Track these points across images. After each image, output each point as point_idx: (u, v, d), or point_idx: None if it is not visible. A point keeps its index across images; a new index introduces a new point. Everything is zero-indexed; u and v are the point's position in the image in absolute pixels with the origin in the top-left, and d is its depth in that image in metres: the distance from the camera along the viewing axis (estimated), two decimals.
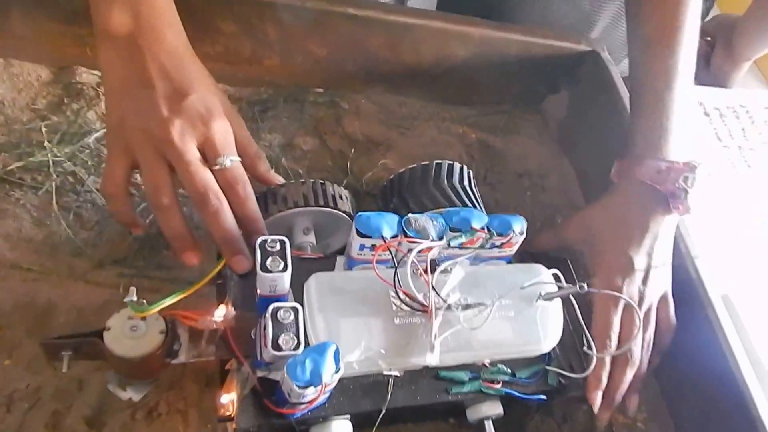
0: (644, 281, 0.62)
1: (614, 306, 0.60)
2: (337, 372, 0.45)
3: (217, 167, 0.52)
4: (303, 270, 0.55)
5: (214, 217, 0.52)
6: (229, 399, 0.52)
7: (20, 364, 0.55)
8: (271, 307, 0.47)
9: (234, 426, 0.50)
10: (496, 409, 0.58)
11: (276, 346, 0.45)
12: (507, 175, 0.88)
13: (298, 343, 0.46)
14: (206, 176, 0.51)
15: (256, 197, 0.64)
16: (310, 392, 0.44)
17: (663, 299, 0.65)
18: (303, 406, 0.47)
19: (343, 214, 0.63)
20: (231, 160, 0.53)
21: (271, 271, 0.48)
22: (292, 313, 0.47)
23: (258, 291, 0.50)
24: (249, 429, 0.49)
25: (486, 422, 0.58)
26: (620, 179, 0.67)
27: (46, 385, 0.54)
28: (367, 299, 0.53)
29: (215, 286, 0.60)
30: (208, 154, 0.52)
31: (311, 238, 0.62)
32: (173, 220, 0.53)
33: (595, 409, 0.61)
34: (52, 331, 0.57)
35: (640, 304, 0.62)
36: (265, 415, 0.49)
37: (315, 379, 0.44)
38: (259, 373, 0.50)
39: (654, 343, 0.64)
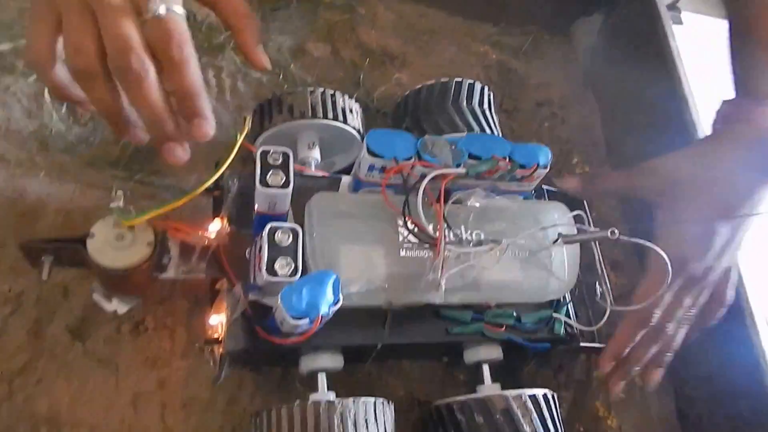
0: (718, 256, 0.51)
1: (667, 277, 0.49)
2: (335, 304, 0.42)
3: (148, 15, 0.37)
4: (304, 188, 0.50)
5: (134, 85, 0.37)
6: (217, 321, 0.50)
7: (3, 265, 0.52)
8: (268, 227, 0.43)
9: (221, 348, 0.47)
10: (495, 353, 0.56)
11: (271, 271, 0.42)
12: (525, 102, 0.83)
13: (296, 269, 0.42)
14: (128, 29, 0.36)
15: (260, 105, 0.59)
16: (305, 324, 0.41)
17: (725, 273, 0.53)
18: (295, 338, 0.44)
19: (353, 131, 0.58)
20: (169, 8, 0.37)
21: (270, 186, 0.44)
22: (291, 235, 0.43)
23: (255, 208, 0.46)
24: (236, 353, 0.47)
25: (483, 366, 0.56)
26: (726, 124, 0.53)
27: (29, 291, 0.52)
28: (373, 227, 0.49)
29: (212, 198, 0.56)
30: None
31: (316, 153, 0.57)
32: (100, 91, 0.38)
33: (603, 374, 0.56)
34: (38, 232, 0.54)
35: (700, 281, 0.52)
36: (254, 340, 0.47)
37: (311, 311, 0.41)
38: (251, 297, 0.47)
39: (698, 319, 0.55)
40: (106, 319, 0.53)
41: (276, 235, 0.43)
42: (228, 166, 0.48)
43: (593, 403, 0.67)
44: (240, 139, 0.49)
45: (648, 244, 0.48)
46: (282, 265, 0.42)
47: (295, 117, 0.56)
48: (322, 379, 0.50)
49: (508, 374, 0.60)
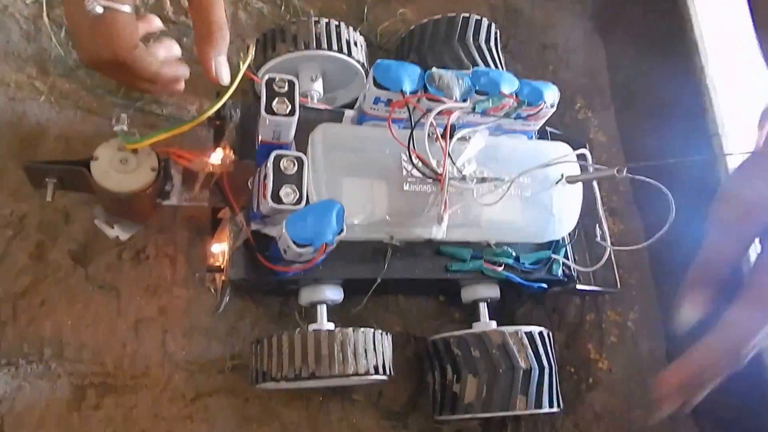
0: None
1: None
2: (339, 233, 0.42)
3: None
4: (307, 121, 0.50)
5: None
6: (219, 249, 0.50)
7: (5, 189, 0.52)
8: (273, 154, 0.42)
9: (222, 277, 0.48)
10: (492, 291, 0.56)
11: (276, 198, 0.42)
12: (531, 45, 0.81)
13: (300, 198, 0.42)
14: None
15: (263, 34, 0.58)
16: (308, 252, 0.42)
17: None
18: (297, 266, 0.45)
19: (357, 64, 0.57)
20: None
21: (276, 114, 0.44)
22: (296, 164, 0.43)
23: (259, 137, 0.46)
24: (238, 282, 0.47)
25: (480, 304, 0.57)
26: None
27: (31, 215, 0.52)
28: (377, 159, 0.49)
29: (213, 129, 0.55)
30: None
31: (318, 86, 0.56)
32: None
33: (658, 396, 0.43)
34: (39, 157, 0.54)
35: None
36: (256, 269, 0.47)
37: (315, 239, 0.41)
38: (254, 226, 0.48)
39: None
40: (107, 246, 0.53)
41: (281, 162, 0.42)
42: (230, 95, 0.48)
43: (585, 346, 0.68)
44: (243, 69, 0.48)
45: (653, 182, 0.48)
46: (287, 193, 0.42)
47: (299, 47, 0.55)
48: (321, 311, 0.51)
49: (503, 315, 0.61)
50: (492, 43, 0.63)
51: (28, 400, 0.46)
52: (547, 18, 0.84)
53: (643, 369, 0.70)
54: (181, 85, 0.51)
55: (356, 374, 0.45)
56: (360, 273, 0.51)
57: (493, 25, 0.64)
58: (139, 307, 0.52)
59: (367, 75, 0.57)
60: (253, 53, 0.56)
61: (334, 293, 0.51)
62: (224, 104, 0.50)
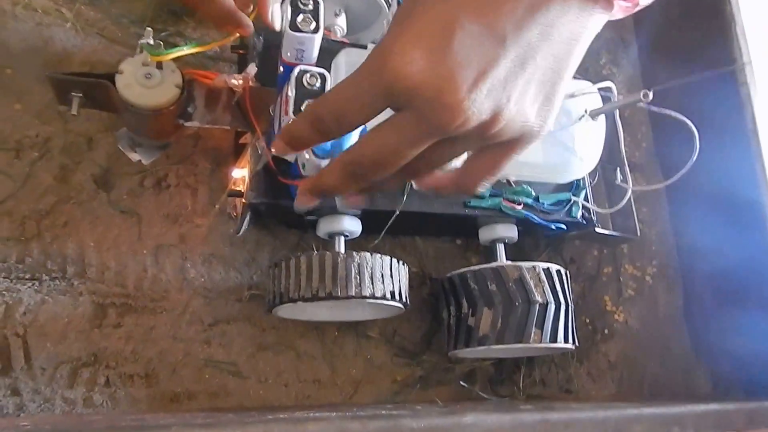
0: (508, 88, 0.30)
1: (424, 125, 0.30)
2: None
3: None
4: (330, 54, 0.50)
5: None
6: (240, 174, 0.50)
7: (30, 111, 0.52)
8: (297, 69, 0.42)
9: (243, 201, 0.48)
10: (510, 231, 0.56)
11: (299, 113, 0.42)
12: None
13: None
14: None
15: None
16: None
17: (519, 140, 0.32)
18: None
19: (381, 1, 0.56)
20: None
21: (301, 31, 0.43)
22: (320, 79, 0.42)
23: (281, 57, 0.46)
24: (258, 205, 0.48)
25: (498, 245, 0.56)
26: None
27: (55, 137, 0.52)
28: None
29: (237, 56, 0.55)
30: None
31: (342, 21, 0.56)
32: None
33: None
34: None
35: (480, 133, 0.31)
36: (276, 193, 0.48)
37: (335, 149, 0.41)
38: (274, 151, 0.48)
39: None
40: (129, 173, 0.53)
41: (305, 78, 0.42)
42: (253, 22, 0.48)
43: (601, 297, 0.68)
44: None
45: (677, 114, 0.47)
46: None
47: None
48: (339, 242, 0.51)
49: (520, 259, 0.61)
50: None
51: (50, 314, 0.47)
52: None
53: (659, 322, 0.70)
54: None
55: (372, 297, 0.45)
56: (380, 204, 0.51)
57: None
58: (159, 233, 0.53)
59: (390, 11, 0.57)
60: None
61: (352, 224, 0.51)
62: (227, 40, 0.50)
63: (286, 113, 0.43)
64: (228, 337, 0.51)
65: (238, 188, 0.49)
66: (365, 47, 0.53)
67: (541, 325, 0.48)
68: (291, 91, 0.42)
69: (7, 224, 0.49)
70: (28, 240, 0.49)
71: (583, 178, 0.57)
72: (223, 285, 0.53)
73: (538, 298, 0.49)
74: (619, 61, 0.79)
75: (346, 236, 0.52)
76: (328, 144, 0.41)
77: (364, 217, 0.52)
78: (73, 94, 0.45)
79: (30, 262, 0.48)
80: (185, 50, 0.44)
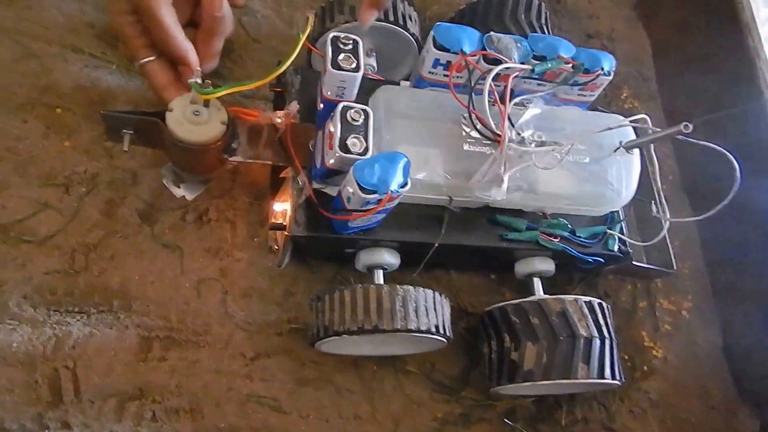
0: None
1: None
2: (404, 186, 0.43)
3: None
4: (364, 91, 0.51)
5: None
6: (282, 208, 0.51)
7: (79, 148, 0.54)
8: (341, 106, 0.44)
9: (286, 234, 0.49)
10: (547, 265, 0.56)
11: (344, 148, 0.43)
12: (575, 34, 0.82)
13: (367, 148, 0.43)
14: None
15: (321, 6, 0.60)
16: (373, 199, 0.42)
17: None
18: (359, 214, 0.45)
19: (411, 38, 0.58)
20: None
21: (342, 69, 0.45)
22: (363, 115, 0.43)
23: (323, 94, 0.47)
24: (301, 238, 0.48)
25: (534, 279, 0.56)
26: None
27: (102, 173, 0.54)
28: (437, 120, 0.50)
29: (273, 94, 0.57)
30: None
31: (372, 61, 0.58)
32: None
33: None
34: None
35: None
36: (317, 226, 0.48)
37: (381, 186, 0.41)
38: (315, 185, 0.49)
39: None
40: (172, 207, 0.55)
41: (349, 114, 0.43)
42: (291, 63, 0.49)
43: (639, 332, 0.67)
44: (302, 38, 0.50)
45: (720, 149, 0.47)
46: (354, 143, 0.43)
47: (356, 18, 0.56)
48: (378, 275, 0.51)
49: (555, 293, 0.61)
50: (543, 21, 0.63)
51: (98, 347, 0.48)
52: (590, 8, 0.84)
53: (699, 359, 0.68)
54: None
55: (417, 330, 0.45)
56: (418, 237, 0.51)
57: (543, 5, 0.64)
58: (200, 267, 0.53)
59: (420, 49, 0.58)
60: (313, 24, 0.58)
61: (392, 257, 0.51)
62: (284, 72, 0.51)
63: (331, 147, 0.44)
64: (269, 372, 0.51)
65: (279, 221, 0.50)
66: (398, 83, 0.54)
67: (587, 360, 0.48)
68: (335, 127, 0.43)
69: (57, 257, 0.50)
70: (77, 273, 0.50)
71: (619, 211, 0.57)
72: (263, 318, 0.53)
73: (583, 332, 0.49)
74: (640, 95, 0.80)
75: (384, 269, 0.52)
76: (375, 178, 0.41)
77: (403, 250, 0.52)
78: (124, 131, 0.46)
79: (78, 295, 0.49)
80: (231, 89, 0.46)
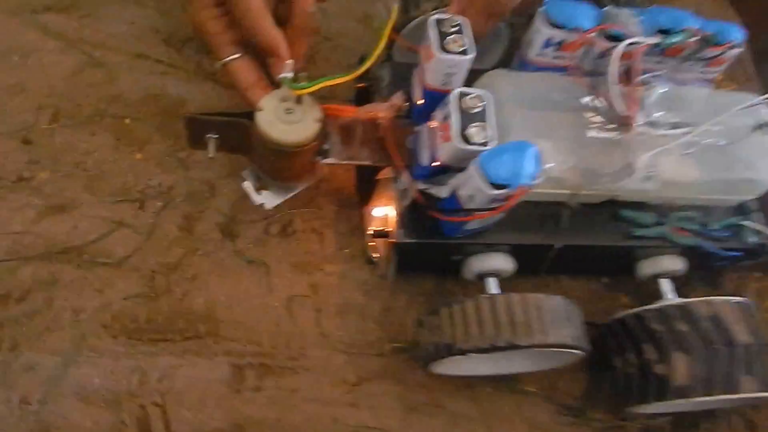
0: None
1: None
2: (535, 178, 0.37)
3: None
4: None
5: None
6: (382, 213, 0.46)
7: (151, 160, 0.50)
8: (457, 92, 0.38)
9: (391, 241, 0.43)
10: (677, 264, 0.49)
11: (464, 138, 0.37)
12: None
13: (491, 138, 0.37)
14: None
15: None
16: (502, 195, 0.36)
17: None
18: (482, 215, 0.39)
19: (502, 24, 0.52)
20: None
21: (450, 53, 0.39)
22: (482, 102, 0.38)
23: (423, 86, 0.41)
24: (407, 246, 0.43)
25: (661, 280, 0.49)
26: None
27: (177, 186, 0.49)
28: (554, 106, 0.44)
29: (355, 92, 0.52)
30: None
31: None
32: None
33: None
34: (180, 129, 0.51)
35: None
36: (424, 232, 0.43)
37: (513, 179, 0.36)
38: (419, 186, 0.43)
39: None
40: (253, 219, 0.50)
41: (466, 101, 0.38)
42: (377, 55, 0.44)
43: None
44: (389, 26, 0.45)
45: None
46: (476, 133, 0.37)
47: (444, 3, 0.51)
48: (490, 283, 0.45)
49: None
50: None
51: (187, 379, 0.42)
52: None
53: None
54: None
55: (559, 345, 0.39)
56: (534, 238, 0.45)
57: None
58: (289, 284, 0.48)
59: (510, 35, 0.52)
60: (397, 13, 0.53)
61: (507, 262, 0.45)
62: (371, 65, 0.46)
63: (447, 140, 0.38)
64: (375, 398, 0.45)
65: (381, 228, 0.45)
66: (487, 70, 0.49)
67: (750, 370, 0.41)
68: (453, 116, 0.37)
69: (136, 280, 0.45)
70: (158, 296, 0.45)
71: (754, 200, 0.50)
72: (362, 338, 0.48)
73: (742, 339, 0.42)
74: (737, 78, 0.72)
75: (497, 276, 0.46)
76: (505, 170, 0.36)
77: (518, 253, 0.46)
78: (209, 135, 0.41)
79: (161, 321, 0.44)
80: (324, 82, 0.40)
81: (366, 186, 0.50)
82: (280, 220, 0.50)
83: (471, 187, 0.37)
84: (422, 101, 0.43)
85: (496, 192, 0.36)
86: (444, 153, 0.39)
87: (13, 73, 0.50)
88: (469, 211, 0.39)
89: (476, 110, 0.38)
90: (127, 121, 0.51)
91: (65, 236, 0.46)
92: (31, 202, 0.46)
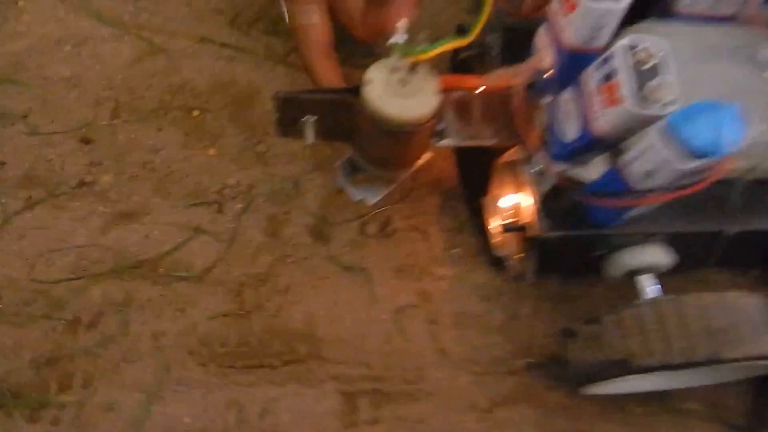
0: None
1: None
2: (736, 144, 0.28)
3: None
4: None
5: None
6: (511, 202, 0.38)
7: (226, 156, 0.43)
8: (624, 43, 0.30)
9: (531, 235, 0.35)
10: None
11: (641, 100, 0.29)
12: None
13: (676, 97, 0.29)
14: None
15: None
16: (702, 167, 0.28)
17: None
18: (655, 196, 0.31)
19: None
20: None
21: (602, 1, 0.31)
22: (660, 52, 0.30)
23: (560, 43, 0.34)
24: (552, 239, 0.35)
25: None
26: None
27: (258, 184, 0.42)
28: (722, 61, 0.36)
29: (454, 65, 0.44)
30: None
31: None
32: None
33: None
34: (256, 120, 0.45)
35: None
36: (573, 221, 0.35)
37: (715, 147, 0.28)
38: (558, 168, 0.35)
39: None
40: (347, 219, 0.42)
41: (636, 53, 0.30)
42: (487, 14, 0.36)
43: None
44: None
45: None
46: (657, 90, 0.29)
47: None
48: (644, 283, 0.37)
49: None
50: None
51: (293, 413, 0.35)
52: None
53: None
54: None
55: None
56: (701, 225, 0.37)
57: None
58: (395, 293, 0.41)
59: None
60: None
61: (666, 255, 0.37)
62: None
63: (615, 103, 0.30)
64: (514, 426, 0.38)
65: (512, 221, 0.37)
66: None
67: None
68: (624, 73, 0.29)
69: (222, 296, 0.38)
70: (249, 314, 0.38)
71: None
72: (487, 354, 0.40)
73: None
74: None
75: (654, 273, 0.38)
76: (705, 136, 0.28)
77: (677, 245, 0.38)
78: (305, 118, 0.34)
79: (255, 344, 0.37)
80: (445, 44, 0.33)
81: (472, 172, 0.43)
82: (376, 218, 0.43)
83: (651, 160, 0.29)
84: (559, 64, 0.36)
85: (695, 164, 0.28)
86: (607, 121, 0.31)
87: (66, 65, 0.44)
88: (642, 193, 0.31)
89: (649, 65, 0.30)
90: (196, 113, 0.44)
91: (137, 248, 0.39)
92: (95, 210, 0.40)
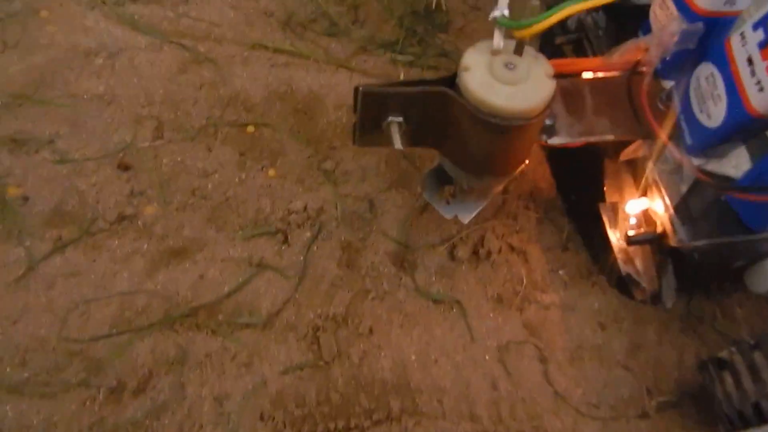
0: None
1: None
2: None
3: None
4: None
5: None
6: (638, 208, 0.31)
7: (289, 177, 0.37)
8: None
9: (669, 246, 0.28)
10: None
11: None
12: None
13: None
14: None
15: None
16: None
17: None
18: None
19: None
20: None
21: None
22: None
23: (694, 6, 0.27)
24: (695, 249, 0.28)
25: None
26: None
27: (328, 207, 0.36)
28: None
29: (549, 50, 0.38)
30: None
31: None
32: None
33: None
34: (320, 132, 0.39)
35: None
36: (719, 226, 0.28)
37: None
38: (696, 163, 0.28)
39: None
40: (433, 243, 0.36)
41: None
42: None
43: None
44: None
45: None
46: None
47: None
48: None
49: None
50: None
51: None
52: None
53: None
54: None
55: None
56: None
57: None
58: (496, 326, 0.34)
59: None
60: None
61: None
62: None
63: None
64: None
65: (638, 231, 0.30)
66: None
67: None
68: None
69: (294, 344, 0.32)
70: (328, 365, 0.31)
71: None
72: (612, 393, 0.33)
73: None
74: None
75: None
76: None
77: None
78: (390, 119, 0.28)
79: (337, 401, 0.31)
80: (554, 15, 0.26)
81: (573, 178, 0.36)
82: (466, 239, 0.37)
83: None
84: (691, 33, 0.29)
85: None
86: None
87: (97, 81, 0.39)
88: None
89: None
90: (251, 128, 0.38)
91: (190, 291, 0.33)
92: (138, 248, 0.34)
